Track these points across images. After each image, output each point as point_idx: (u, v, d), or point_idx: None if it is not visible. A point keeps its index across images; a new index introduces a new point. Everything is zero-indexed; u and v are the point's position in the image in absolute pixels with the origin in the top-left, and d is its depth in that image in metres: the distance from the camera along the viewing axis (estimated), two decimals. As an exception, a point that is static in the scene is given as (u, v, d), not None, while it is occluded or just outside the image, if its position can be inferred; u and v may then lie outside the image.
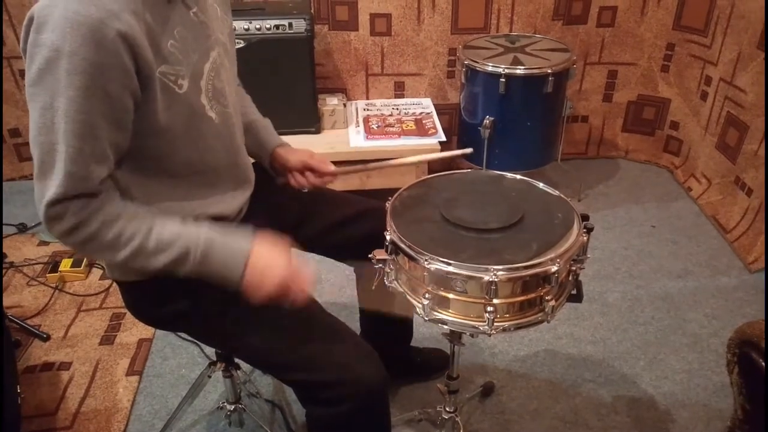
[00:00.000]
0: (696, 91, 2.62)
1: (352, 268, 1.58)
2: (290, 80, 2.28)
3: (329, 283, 2.15)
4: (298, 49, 2.25)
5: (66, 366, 1.83)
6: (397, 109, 2.60)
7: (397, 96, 2.72)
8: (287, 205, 1.33)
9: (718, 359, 1.83)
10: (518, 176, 1.33)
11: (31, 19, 0.86)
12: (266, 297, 0.99)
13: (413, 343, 1.74)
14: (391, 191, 1.25)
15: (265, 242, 1.01)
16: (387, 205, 1.22)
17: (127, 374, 1.80)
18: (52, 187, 0.89)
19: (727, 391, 1.72)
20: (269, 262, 0.99)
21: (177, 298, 1.09)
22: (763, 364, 1.05)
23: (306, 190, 1.34)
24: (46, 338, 1.92)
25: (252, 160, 1.25)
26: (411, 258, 1.09)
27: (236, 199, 1.16)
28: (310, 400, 1.10)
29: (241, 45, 2.19)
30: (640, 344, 1.90)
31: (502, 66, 2.17)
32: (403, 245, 1.11)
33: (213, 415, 1.64)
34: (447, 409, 1.49)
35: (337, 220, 1.35)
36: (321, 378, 1.06)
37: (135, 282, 1.10)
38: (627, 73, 2.76)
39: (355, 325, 1.67)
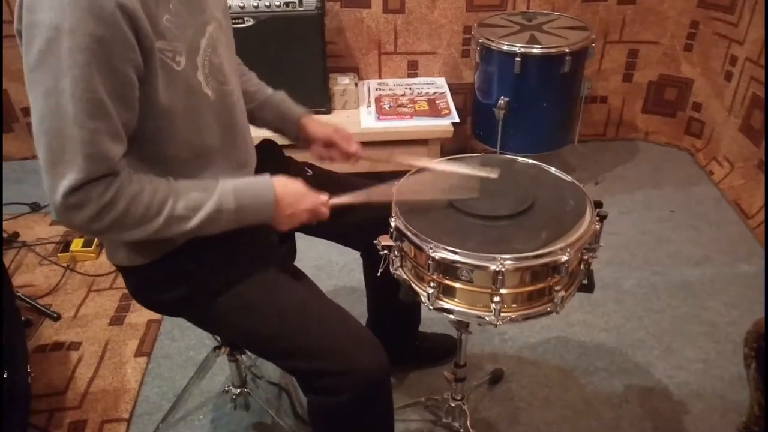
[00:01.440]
0: (720, 71, 2.52)
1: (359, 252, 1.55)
2: (300, 59, 2.24)
3: (339, 265, 2.13)
4: (309, 27, 2.20)
5: (76, 346, 1.83)
6: (410, 88, 2.54)
7: (410, 75, 2.66)
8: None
9: (735, 349, 1.78)
10: (530, 160, 1.29)
11: None
12: (297, 225, 1.09)
13: (421, 328, 1.72)
14: (401, 174, 1.22)
15: (282, 178, 1.07)
16: (393, 189, 1.19)
17: (136, 355, 1.80)
18: (70, 173, 0.85)
19: (744, 383, 1.65)
20: (294, 193, 1.07)
21: (176, 284, 1.07)
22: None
23: (311, 174, 1.31)
24: (56, 318, 1.93)
25: (253, 143, 1.22)
26: (415, 245, 1.06)
27: None
28: (311, 389, 1.08)
29: (250, 23, 2.15)
30: (655, 333, 1.85)
31: (518, 45, 2.10)
32: (407, 232, 1.07)
33: (220, 398, 1.64)
34: (454, 396, 1.47)
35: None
36: (321, 367, 1.04)
37: (135, 267, 1.08)
38: (648, 52, 2.67)
39: (363, 309, 1.65)
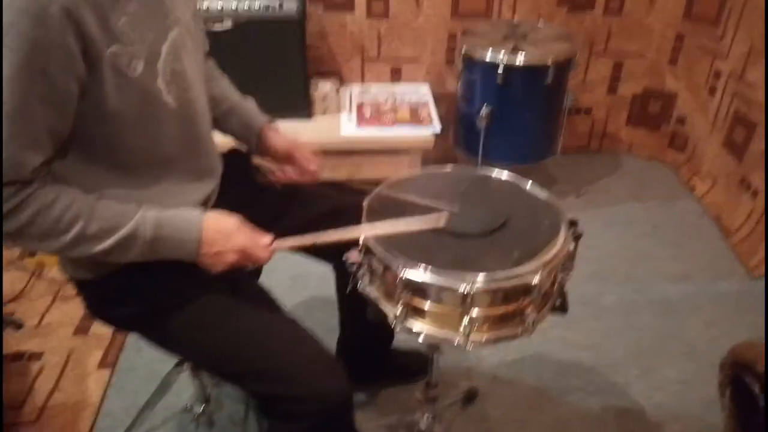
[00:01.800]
0: (704, 86, 2.51)
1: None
2: (280, 64, 2.19)
3: (315, 276, 2.07)
4: (289, 31, 2.15)
5: (37, 356, 1.77)
6: (393, 95, 2.50)
7: (393, 81, 2.62)
8: (259, 200, 1.25)
9: (714, 371, 1.72)
10: (505, 175, 1.24)
11: None
12: (226, 267, 0.99)
13: (396, 344, 1.67)
14: (381, 182, 1.18)
15: (215, 213, 1.00)
16: (364, 204, 1.14)
17: (99, 366, 1.74)
18: None
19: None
20: (224, 230, 0.98)
21: (128, 300, 1.02)
22: (759, 391, 0.97)
23: (278, 187, 1.26)
24: (19, 326, 1.86)
25: (218, 151, 1.17)
26: (383, 263, 1.02)
27: (198, 192, 1.08)
28: (270, 413, 1.03)
29: (229, 26, 2.10)
30: (635, 351, 1.82)
31: (501, 56, 2.07)
32: (376, 249, 1.03)
33: (184, 415, 1.58)
34: (425, 417, 1.42)
35: (312, 217, 1.27)
36: (279, 391, 0.99)
37: (85, 281, 1.02)
38: (633, 65, 2.65)
39: (336, 322, 1.60)
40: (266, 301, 1.11)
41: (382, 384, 1.68)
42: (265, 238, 1.03)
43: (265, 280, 2.05)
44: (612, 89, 2.71)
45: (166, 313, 1.02)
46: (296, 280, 2.07)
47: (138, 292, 1.01)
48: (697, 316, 1.95)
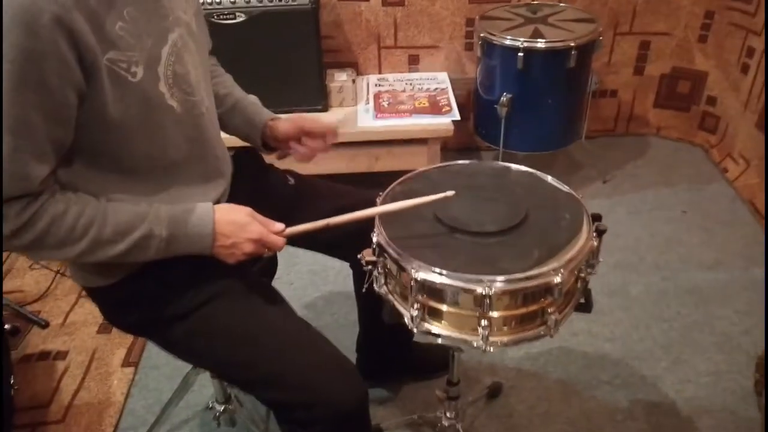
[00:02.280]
0: (736, 64, 2.40)
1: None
2: (295, 55, 2.16)
3: (334, 270, 2.06)
4: (303, 22, 2.11)
5: (62, 355, 1.79)
6: (411, 84, 2.45)
7: (411, 70, 2.57)
8: (270, 199, 1.23)
9: (748, 361, 1.69)
10: (525, 168, 1.20)
11: None
12: (242, 257, 0.99)
13: (416, 339, 1.64)
14: (400, 173, 1.15)
15: (225, 205, 1.01)
16: (377, 201, 1.11)
17: (123, 365, 1.75)
18: None
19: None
20: (236, 221, 0.98)
21: (139, 307, 1.01)
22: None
23: (292, 183, 1.24)
24: (44, 325, 1.89)
25: (228, 153, 1.15)
26: (398, 264, 0.99)
27: (208, 194, 1.06)
28: (284, 419, 1.02)
29: (242, 18, 2.08)
30: (663, 343, 1.76)
31: (521, 39, 2.01)
32: (389, 249, 1.00)
33: (206, 413, 1.58)
34: (447, 415, 1.40)
35: (326, 215, 1.24)
36: (293, 398, 0.97)
37: (97, 288, 1.02)
38: (660, 44, 2.55)
39: (356, 316, 1.58)
40: (278, 305, 1.09)
41: (403, 380, 1.66)
42: (278, 225, 1.02)
43: (284, 275, 2.06)
44: (638, 70, 2.62)
45: (177, 319, 1.01)
46: (316, 274, 2.06)
47: (148, 299, 1.00)
48: (728, 304, 1.88)
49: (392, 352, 1.59)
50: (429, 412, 1.53)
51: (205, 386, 1.63)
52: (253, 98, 1.25)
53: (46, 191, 0.86)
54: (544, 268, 0.94)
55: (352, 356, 1.65)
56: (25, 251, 0.89)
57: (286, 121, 1.21)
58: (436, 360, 1.67)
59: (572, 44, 1.99)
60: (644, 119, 2.75)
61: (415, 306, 0.99)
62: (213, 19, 2.05)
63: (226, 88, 1.21)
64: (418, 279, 0.95)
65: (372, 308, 1.48)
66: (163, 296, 1.00)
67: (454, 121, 2.21)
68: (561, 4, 2.33)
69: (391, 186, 1.15)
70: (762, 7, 2.22)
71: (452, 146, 2.58)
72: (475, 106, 2.41)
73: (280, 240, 1.02)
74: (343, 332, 1.84)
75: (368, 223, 1.07)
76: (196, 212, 0.96)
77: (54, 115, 0.82)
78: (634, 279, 1.99)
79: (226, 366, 1.03)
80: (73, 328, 1.88)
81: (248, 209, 1.01)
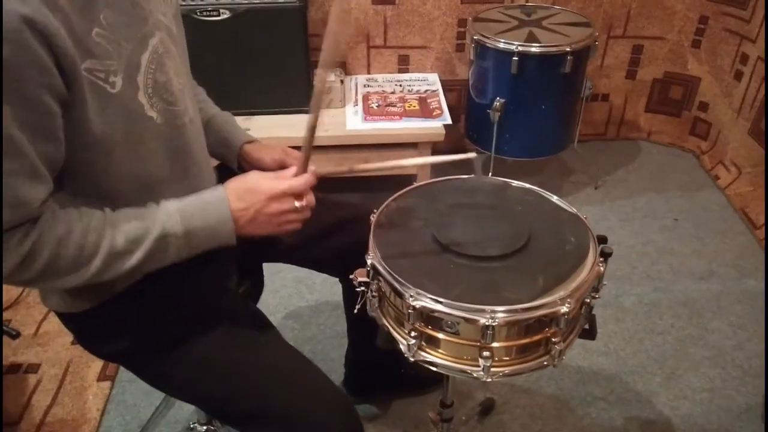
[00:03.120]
0: (729, 70, 2.38)
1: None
2: (281, 55, 2.08)
3: (321, 278, 1.99)
4: (290, 19, 2.04)
5: (34, 368, 1.70)
6: (401, 85, 2.39)
7: (401, 71, 2.51)
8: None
9: (743, 376, 1.67)
10: (526, 185, 1.14)
11: None
12: (275, 219, 0.89)
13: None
14: (390, 177, 1.09)
15: (233, 179, 0.90)
16: (371, 218, 1.05)
17: (99, 379, 1.67)
18: None
19: (753, 415, 1.57)
20: (248, 188, 0.88)
21: (116, 336, 0.94)
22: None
23: None
24: (15, 336, 1.78)
25: (213, 170, 1.07)
26: (394, 289, 0.93)
27: None
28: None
29: (226, 15, 1.99)
30: (657, 357, 1.73)
31: (515, 43, 1.95)
32: (385, 273, 0.94)
33: (187, 432, 1.52)
34: (440, 436, 1.35)
35: (316, 230, 1.18)
36: None
37: (70, 314, 0.94)
38: (654, 48, 2.52)
39: (345, 326, 1.53)
40: (265, 332, 1.02)
41: (393, 395, 1.61)
42: (290, 169, 0.92)
43: (269, 283, 1.98)
44: (631, 74, 2.58)
45: (157, 350, 0.94)
46: (301, 282, 2.00)
47: (126, 327, 0.93)
48: (722, 317, 1.86)
49: (382, 366, 1.53)
50: (421, 430, 1.49)
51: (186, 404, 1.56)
52: (227, 116, 1.16)
53: (46, 212, 0.77)
54: (550, 298, 0.88)
55: (340, 370, 1.60)
56: (35, 283, 0.80)
57: (268, 152, 1.12)
58: (428, 374, 1.61)
59: (568, 49, 1.94)
60: (635, 124, 2.72)
61: (412, 334, 0.93)
62: (195, 16, 1.96)
63: (199, 103, 1.12)
64: (417, 307, 0.89)
65: (363, 325, 1.43)
66: (142, 323, 0.93)
67: (444, 125, 2.15)
68: (555, 7, 2.28)
69: (386, 203, 1.09)
70: (757, 14, 2.19)
71: (443, 149, 2.52)
72: (467, 109, 2.35)
73: (301, 182, 0.90)
74: (330, 344, 1.78)
75: (360, 240, 1.01)
76: (205, 198, 0.88)
77: (40, 129, 0.73)
78: (627, 290, 1.96)
79: (211, 401, 0.97)
80: (46, 339, 1.79)
81: (254, 171, 0.92)
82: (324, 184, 0.98)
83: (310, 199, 0.92)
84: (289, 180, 0.90)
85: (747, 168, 2.30)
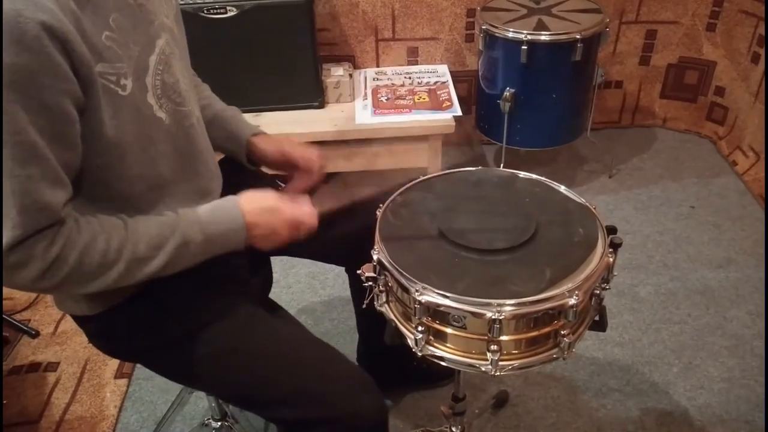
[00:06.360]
0: (746, 53, 2.32)
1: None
2: (289, 51, 2.07)
3: (334, 272, 2.00)
4: (297, 15, 2.03)
5: (53, 366, 1.73)
6: (410, 77, 2.37)
7: (410, 63, 2.49)
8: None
9: (762, 365, 1.64)
10: (533, 176, 1.13)
11: None
12: (281, 243, 0.96)
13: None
14: (400, 171, 1.08)
15: (249, 193, 0.95)
16: (377, 213, 1.05)
17: (116, 377, 1.69)
18: (5, 230, 0.73)
19: (772, 405, 1.54)
20: (266, 207, 0.94)
21: (133, 334, 0.95)
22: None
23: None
24: (34, 335, 1.82)
25: (218, 167, 1.07)
26: (400, 284, 0.93)
27: None
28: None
29: (233, 13, 1.99)
30: (674, 347, 1.71)
31: (524, 31, 1.93)
32: (391, 268, 0.94)
33: (202, 430, 1.53)
34: (453, 430, 1.34)
35: (327, 237, 1.18)
36: (310, 415, 0.92)
37: (85, 317, 0.95)
38: (668, 33, 2.47)
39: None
40: (283, 319, 1.04)
41: (405, 390, 1.61)
42: (305, 204, 0.98)
43: (282, 279, 2.00)
44: (644, 60, 2.54)
45: (175, 345, 0.95)
46: (315, 278, 2.00)
47: (142, 325, 0.94)
48: (740, 305, 1.82)
49: (394, 360, 1.53)
50: (433, 423, 1.48)
51: (201, 398, 1.58)
52: (233, 110, 1.17)
53: (69, 219, 0.78)
54: (557, 290, 0.87)
55: (353, 365, 1.60)
56: (58, 290, 0.82)
57: (272, 143, 1.14)
58: (440, 368, 1.61)
59: (578, 37, 1.91)
60: (650, 110, 2.68)
61: (419, 328, 0.93)
62: (202, 14, 1.96)
63: (203, 99, 1.12)
64: (423, 301, 0.89)
65: (370, 318, 1.43)
66: (158, 322, 0.94)
67: (455, 116, 2.14)
68: (565, -7, 2.24)
69: (392, 197, 1.09)
70: (774, -5, 2.14)
71: (453, 141, 2.51)
72: (477, 100, 2.33)
73: (313, 218, 0.98)
74: (343, 339, 1.78)
75: (365, 230, 1.01)
76: (222, 207, 0.92)
77: (60, 136, 0.74)
78: (643, 279, 1.93)
79: (233, 389, 0.98)
80: (64, 338, 1.82)
81: (272, 193, 0.97)
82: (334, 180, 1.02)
83: (311, 228, 0.99)
84: (305, 215, 0.97)
85: (765, 153, 2.25)
